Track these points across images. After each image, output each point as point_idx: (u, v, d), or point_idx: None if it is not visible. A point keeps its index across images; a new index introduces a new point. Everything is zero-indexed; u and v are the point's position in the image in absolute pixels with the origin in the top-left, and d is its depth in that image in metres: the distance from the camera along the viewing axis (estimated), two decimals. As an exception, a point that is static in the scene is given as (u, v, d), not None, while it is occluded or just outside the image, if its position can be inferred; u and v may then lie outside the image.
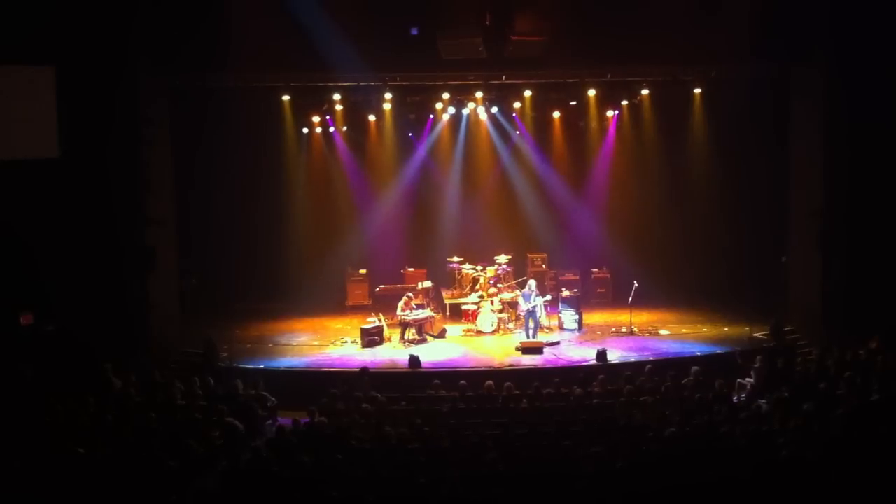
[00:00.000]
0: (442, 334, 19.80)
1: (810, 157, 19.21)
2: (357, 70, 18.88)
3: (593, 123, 23.27)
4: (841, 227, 18.38)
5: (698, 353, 17.67)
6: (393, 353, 18.50)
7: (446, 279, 22.88)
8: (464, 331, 20.16)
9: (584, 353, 17.88)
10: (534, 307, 18.97)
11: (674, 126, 22.49)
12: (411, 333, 19.26)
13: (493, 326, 19.90)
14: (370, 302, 22.29)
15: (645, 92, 21.37)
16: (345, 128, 23.04)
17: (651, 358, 17.28)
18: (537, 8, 18.19)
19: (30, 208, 16.92)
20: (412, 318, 19.30)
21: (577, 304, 20.36)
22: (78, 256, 17.30)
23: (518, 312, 19.99)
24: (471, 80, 20.63)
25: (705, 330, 19.83)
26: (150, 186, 18.58)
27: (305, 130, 22.89)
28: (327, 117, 22.59)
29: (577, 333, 19.76)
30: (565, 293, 20.88)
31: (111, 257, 17.74)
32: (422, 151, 23.61)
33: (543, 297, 19.46)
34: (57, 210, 17.15)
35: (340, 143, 23.30)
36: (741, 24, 17.59)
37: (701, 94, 21.42)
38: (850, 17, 17.46)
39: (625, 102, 22.46)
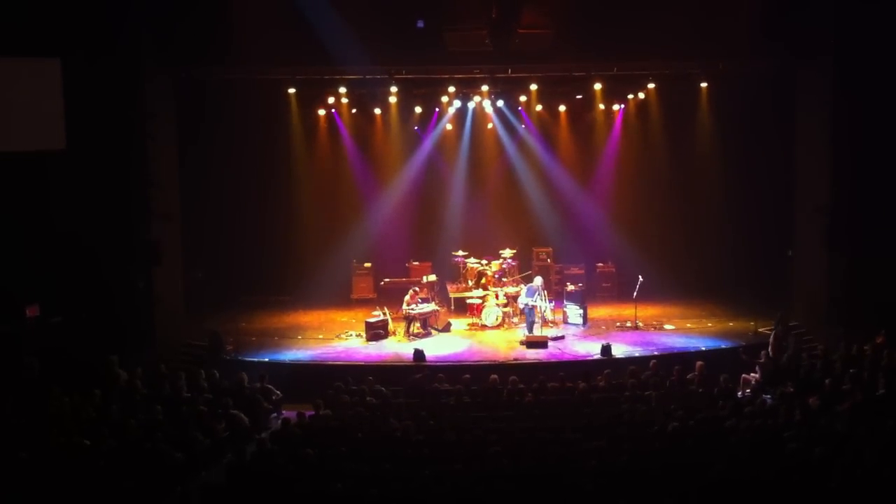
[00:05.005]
0: (447, 328, 19.82)
1: (816, 152, 19.15)
2: (363, 63, 18.84)
3: (599, 117, 23.25)
4: (846, 222, 18.33)
5: (703, 348, 17.68)
6: (398, 346, 18.52)
7: (451, 273, 22.88)
8: (468, 325, 20.16)
9: (589, 348, 17.89)
10: (535, 302, 18.85)
11: (680, 120, 22.51)
12: (416, 327, 19.28)
13: (497, 320, 19.90)
14: (375, 295, 22.32)
15: (651, 86, 21.33)
16: (350, 121, 23.05)
17: (656, 353, 17.27)
18: (543, 1, 18.16)
19: (36, 200, 16.96)
20: (417, 311, 19.31)
21: (582, 299, 20.35)
22: (83, 249, 17.31)
23: (519, 305, 19.96)
24: (476, 74, 20.57)
25: (710, 325, 19.83)
26: (156, 180, 18.56)
27: (311, 124, 22.87)
28: (333, 111, 22.61)
29: (581, 328, 19.75)
30: (570, 288, 20.87)
31: (117, 251, 17.72)
32: (427, 145, 23.59)
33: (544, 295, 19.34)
34: (63, 203, 17.17)
35: (346, 136, 23.28)
36: (748, 20, 17.55)
37: (707, 88, 21.39)
38: (856, 15, 17.38)
39: (631, 96, 22.44)
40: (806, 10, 17.77)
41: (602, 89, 21.35)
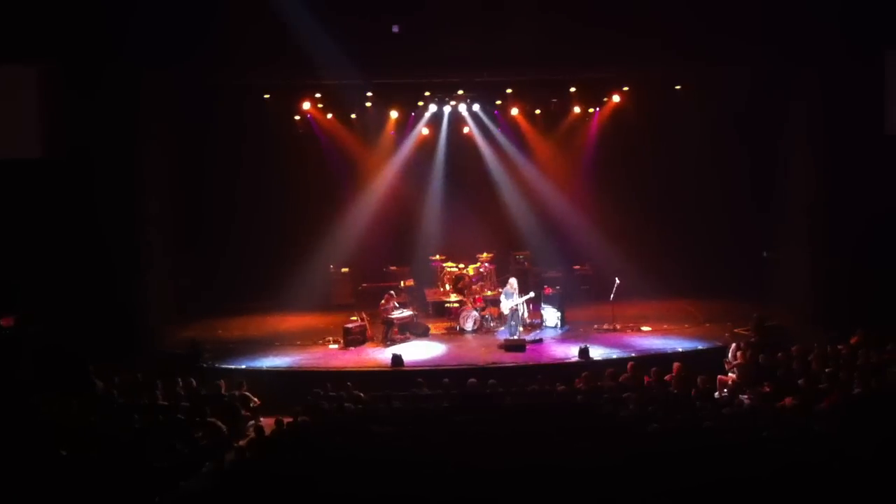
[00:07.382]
0: (425, 333, 19.80)
1: (799, 154, 19.25)
2: (339, 68, 18.80)
3: (577, 120, 23.31)
4: (829, 222, 18.44)
5: (680, 349, 17.76)
6: (375, 352, 18.48)
7: (429, 277, 22.87)
8: (446, 329, 20.17)
9: (567, 351, 17.93)
10: (516, 305, 19.00)
11: (659, 122, 22.46)
12: (394, 332, 19.25)
13: (475, 325, 19.92)
14: (354, 300, 22.26)
15: (626, 89, 21.39)
16: (327, 126, 23.03)
17: (633, 354, 17.34)
18: (521, 5, 18.16)
19: (21, 206, 16.88)
20: (395, 316, 19.29)
21: (560, 301, 20.37)
22: (68, 255, 17.23)
23: (500, 311, 19.99)
24: (453, 78, 20.59)
25: (687, 326, 19.89)
26: (144, 186, 18.47)
27: (287, 129, 22.80)
28: (309, 116, 22.58)
29: (559, 331, 19.78)
30: (548, 290, 20.92)
31: (101, 256, 17.62)
32: (404, 149, 23.56)
33: (526, 294, 19.43)
34: (53, 208, 17.09)
35: (323, 141, 23.25)
36: (733, 21, 17.56)
37: (687, 91, 21.46)
38: (845, 16, 17.43)
39: (607, 99, 22.51)
40: (795, 12, 17.77)
41: (579, 92, 21.42)
